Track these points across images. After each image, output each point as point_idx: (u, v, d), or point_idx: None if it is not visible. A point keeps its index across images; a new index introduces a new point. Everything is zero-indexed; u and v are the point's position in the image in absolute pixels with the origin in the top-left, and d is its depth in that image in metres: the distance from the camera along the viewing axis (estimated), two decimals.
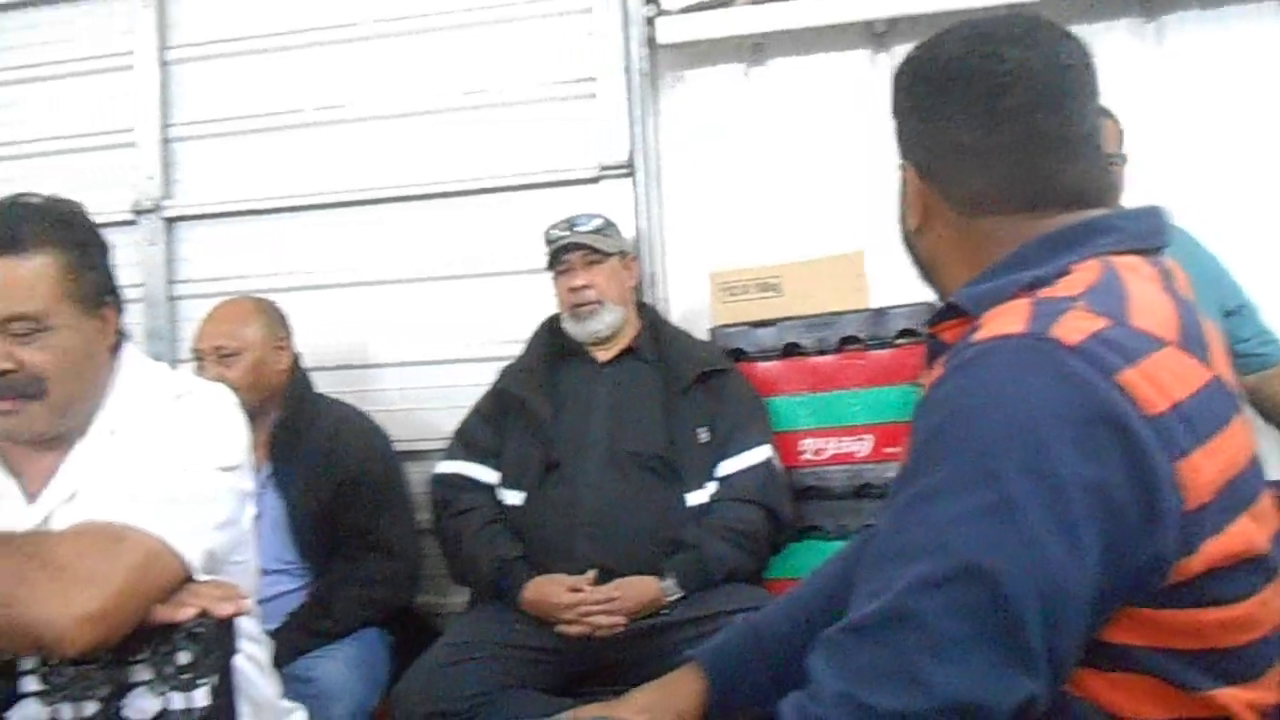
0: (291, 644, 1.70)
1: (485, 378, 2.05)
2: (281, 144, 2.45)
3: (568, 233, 1.94)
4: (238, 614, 1.08)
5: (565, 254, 1.93)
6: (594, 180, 2.25)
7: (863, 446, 1.97)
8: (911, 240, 0.95)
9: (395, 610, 1.92)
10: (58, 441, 1.16)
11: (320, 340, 2.24)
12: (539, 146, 2.32)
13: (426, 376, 2.32)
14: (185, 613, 1.05)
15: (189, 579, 1.09)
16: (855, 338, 2.01)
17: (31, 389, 1.12)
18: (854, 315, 2.02)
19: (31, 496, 1.16)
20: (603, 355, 1.96)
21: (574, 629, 1.70)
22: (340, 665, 1.70)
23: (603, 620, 1.69)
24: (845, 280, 2.07)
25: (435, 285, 2.34)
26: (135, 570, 1.02)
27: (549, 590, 1.72)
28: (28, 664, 1.05)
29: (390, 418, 2.13)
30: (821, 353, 2.03)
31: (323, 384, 2.09)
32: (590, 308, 1.92)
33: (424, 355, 2.33)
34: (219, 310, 2.00)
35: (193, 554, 1.08)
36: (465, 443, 1.94)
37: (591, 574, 1.74)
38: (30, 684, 1.06)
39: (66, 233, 1.18)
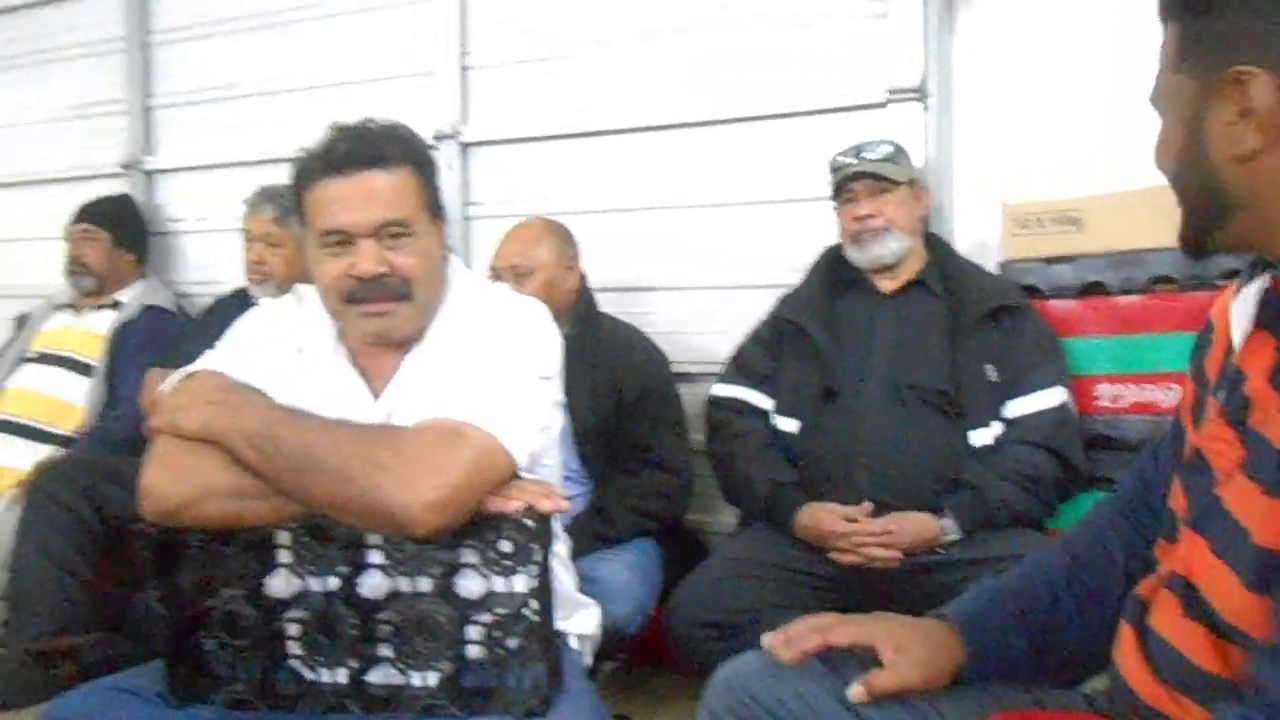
0: (574, 546, 1.82)
1: (760, 305, 2.07)
2: (568, 72, 2.55)
3: (854, 160, 1.90)
4: (557, 510, 1.17)
5: (851, 183, 1.90)
6: (881, 105, 2.18)
7: (1168, 396, 1.83)
8: (1224, 170, 0.78)
9: (668, 523, 2.01)
10: (401, 343, 1.29)
11: (603, 263, 2.33)
12: (825, 70, 2.27)
13: (702, 302, 2.37)
14: (513, 505, 1.15)
15: (515, 476, 1.19)
16: (1168, 277, 1.85)
17: (402, 290, 1.24)
18: (1168, 252, 1.85)
19: (375, 393, 1.29)
20: (886, 285, 1.92)
21: (847, 558, 1.71)
22: (620, 568, 1.80)
23: (878, 552, 1.69)
24: (1159, 215, 1.90)
25: (715, 212, 2.37)
26: (473, 464, 1.12)
27: (823, 517, 1.74)
28: (373, 540, 1.20)
29: (665, 340, 2.20)
30: (1126, 292, 1.89)
31: (606, 305, 2.19)
32: (874, 233, 1.88)
33: (701, 281, 2.37)
34: (514, 231, 2.13)
35: (520, 453, 1.18)
36: (742, 368, 1.98)
37: (867, 505, 1.73)
38: (374, 557, 1.21)
39: (419, 149, 1.30)
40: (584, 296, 2.12)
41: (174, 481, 1.15)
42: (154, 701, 1.18)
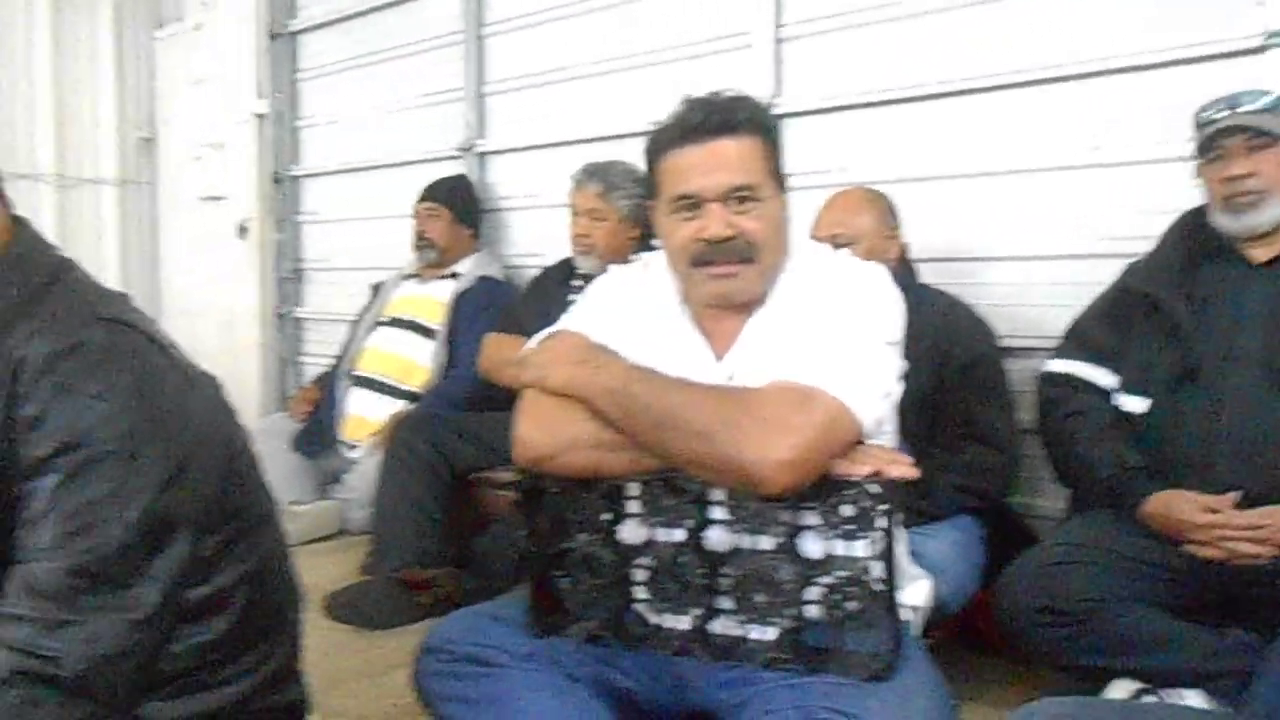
0: None
1: (1099, 275, 1.92)
2: (885, 36, 2.48)
3: (1226, 113, 1.70)
4: (905, 478, 1.16)
5: (1222, 138, 1.71)
6: (1257, 50, 1.94)
7: None
8: None
9: (991, 502, 1.93)
10: (744, 307, 1.32)
11: (925, 232, 2.26)
12: (1175, 15, 2.05)
13: (1035, 272, 2.23)
14: (861, 470, 1.15)
15: (860, 441, 1.19)
16: None
17: (747, 253, 1.28)
18: None
19: (717, 355, 1.34)
20: (1258, 254, 1.72)
21: (1207, 551, 1.56)
22: (943, 544, 1.76)
23: (1245, 548, 1.53)
24: None
25: (1050, 176, 2.22)
26: (823, 426, 1.13)
27: (1179, 505, 1.59)
28: (718, 496, 1.24)
29: (994, 312, 2.10)
30: None
31: (927, 276, 2.12)
32: (1249, 198, 1.68)
33: (1033, 250, 2.23)
34: (835, 200, 2.12)
35: (867, 418, 1.18)
36: (1081, 342, 1.85)
37: (1233, 496, 1.57)
38: (718, 513, 1.25)
39: (765, 118, 1.32)
40: (905, 267, 2.07)
41: (543, 432, 1.26)
42: (518, 629, 1.30)
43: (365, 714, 1.80)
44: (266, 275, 4.22)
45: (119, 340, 1.02)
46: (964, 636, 1.89)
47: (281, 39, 4.18)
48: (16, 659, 0.91)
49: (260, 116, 4.19)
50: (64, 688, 0.92)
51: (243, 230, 4.29)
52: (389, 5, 3.74)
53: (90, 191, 4.78)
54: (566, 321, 1.40)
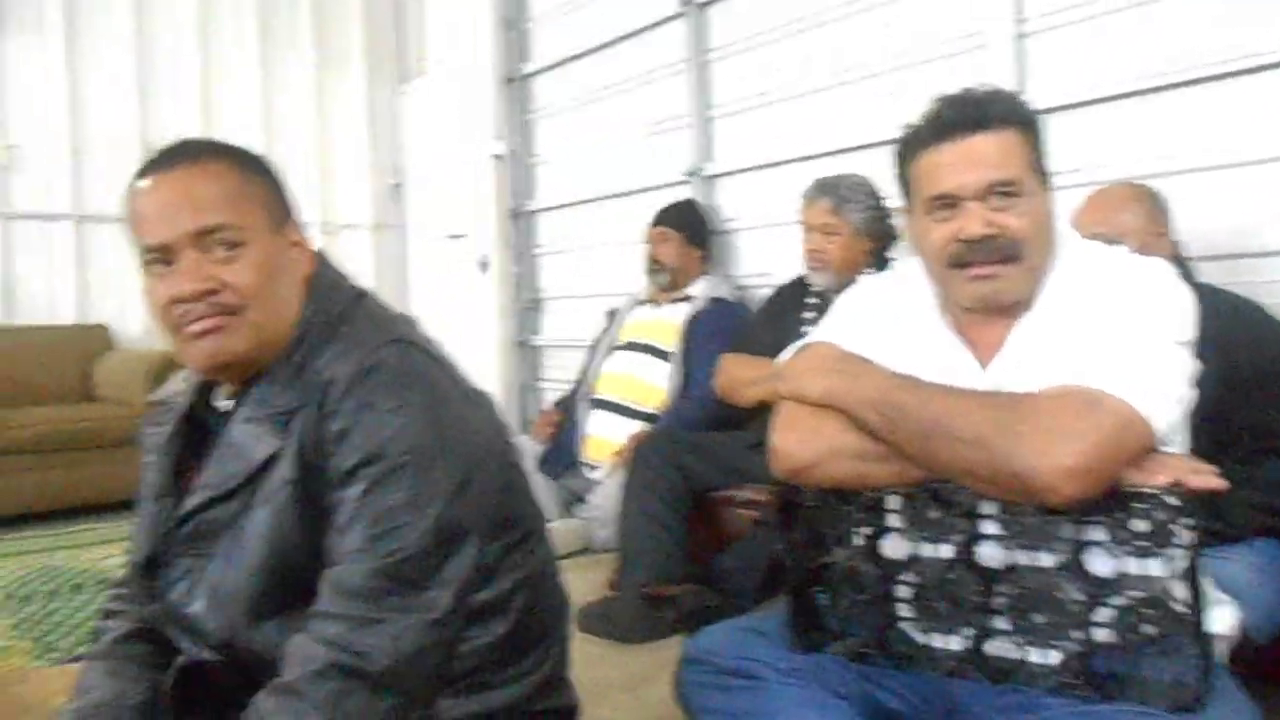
0: None
1: None
2: (1135, 21, 2.31)
3: None
4: (1209, 489, 1.06)
5: None
6: None
7: None
8: None
9: None
10: (1008, 310, 1.25)
11: (1204, 228, 2.07)
12: None
13: None
14: (1158, 479, 1.06)
15: (1153, 449, 1.10)
16: None
17: (1010, 252, 1.21)
18: None
19: (982, 363, 1.27)
20: None
21: None
22: (1242, 569, 1.59)
23: None
24: None
25: None
26: (1113, 433, 1.05)
27: None
28: (989, 510, 1.18)
29: None
30: None
31: (1209, 273, 1.94)
32: None
33: None
34: (1095, 198, 1.98)
35: (1159, 423, 1.08)
36: None
37: None
38: (989, 528, 1.19)
39: (1023, 111, 1.26)
40: (1180, 266, 1.90)
41: (801, 442, 1.24)
42: (780, 644, 1.28)
43: None
44: (506, 306, 4.45)
45: (410, 360, 1.10)
46: (1274, 672, 1.69)
47: (515, 83, 4.42)
48: (331, 653, 0.99)
49: (498, 157, 4.45)
50: (372, 681, 0.99)
51: (484, 264, 4.55)
52: (614, 41, 3.88)
53: (350, 235, 5.25)
54: (820, 333, 1.38)
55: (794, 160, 3.12)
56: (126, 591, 1.24)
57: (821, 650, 1.27)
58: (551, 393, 4.05)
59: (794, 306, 2.62)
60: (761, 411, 2.46)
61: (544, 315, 4.47)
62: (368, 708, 0.99)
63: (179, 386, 1.24)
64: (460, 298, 4.70)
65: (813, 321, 2.52)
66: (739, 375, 2.53)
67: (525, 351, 4.47)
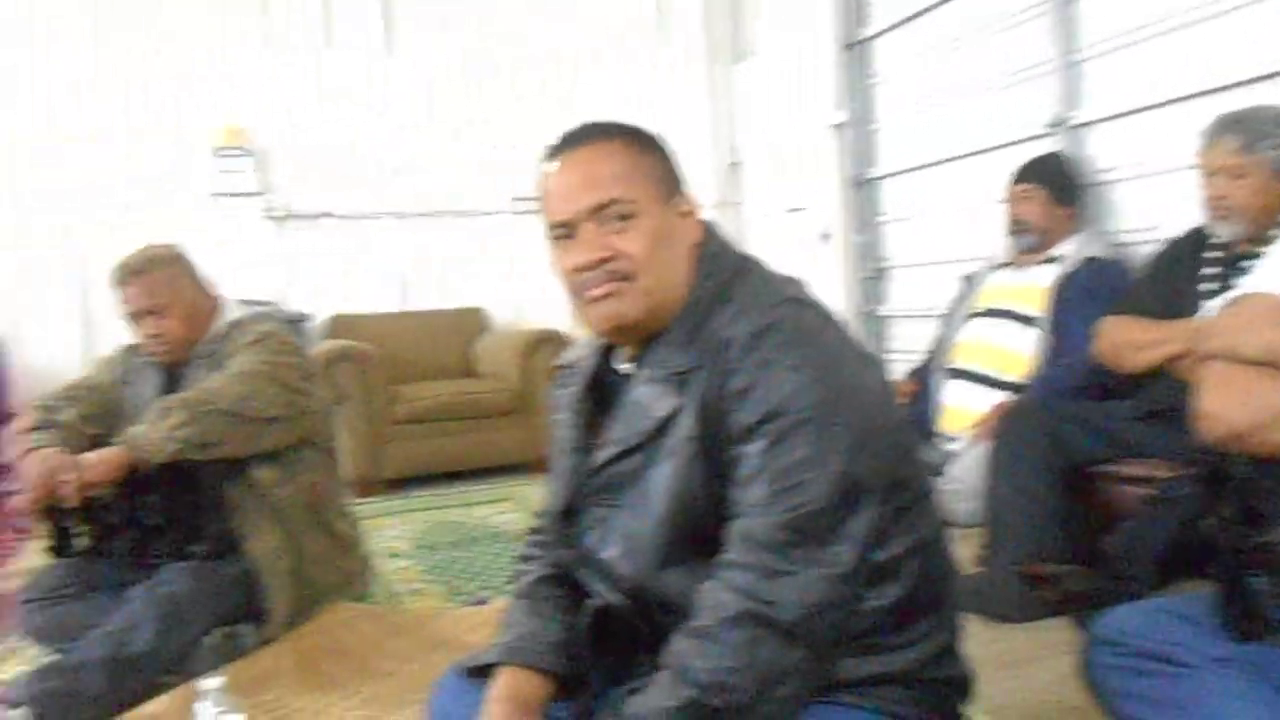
0: None
1: None
2: None
3: None
4: None
5: None
6: None
7: None
8: None
9: None
10: None
11: None
12: None
13: None
14: None
15: None
16: None
17: None
18: None
19: None
20: None
21: None
22: None
23: None
24: None
25: None
26: None
27: None
28: None
29: None
30: None
31: None
32: None
33: None
34: None
35: None
36: None
37: None
38: None
39: None
40: None
41: (1238, 405, 1.10)
42: (1208, 630, 1.15)
43: (1014, 704, 1.75)
44: (850, 277, 4.39)
45: (805, 319, 1.11)
46: None
47: (853, 49, 4.33)
48: (743, 601, 1.02)
49: (838, 126, 4.39)
50: (783, 631, 1.01)
51: (825, 236, 4.52)
52: None
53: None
54: (1255, 282, 1.21)
55: (1183, 98, 2.78)
56: (543, 538, 1.36)
57: (1260, 640, 1.12)
58: (899, 364, 3.94)
59: (1190, 262, 2.33)
60: (1152, 378, 2.23)
61: (889, 285, 4.36)
62: (779, 657, 1.01)
63: (582, 352, 1.34)
64: (801, 271, 4.68)
65: (1216, 279, 2.23)
66: (1125, 339, 2.30)
67: (871, 322, 4.38)
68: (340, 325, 4.68)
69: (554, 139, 1.23)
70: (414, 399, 4.22)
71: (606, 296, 1.14)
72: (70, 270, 4.51)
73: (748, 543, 1.04)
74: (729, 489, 1.09)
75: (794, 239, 4.81)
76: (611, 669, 1.22)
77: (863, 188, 4.36)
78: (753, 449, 1.06)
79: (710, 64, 5.49)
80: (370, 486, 4.02)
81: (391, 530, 3.41)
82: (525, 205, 5.19)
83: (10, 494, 2.72)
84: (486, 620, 2.26)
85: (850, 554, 1.04)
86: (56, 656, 2.01)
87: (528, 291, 5.17)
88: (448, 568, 2.88)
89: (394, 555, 3.06)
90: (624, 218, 1.14)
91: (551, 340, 4.45)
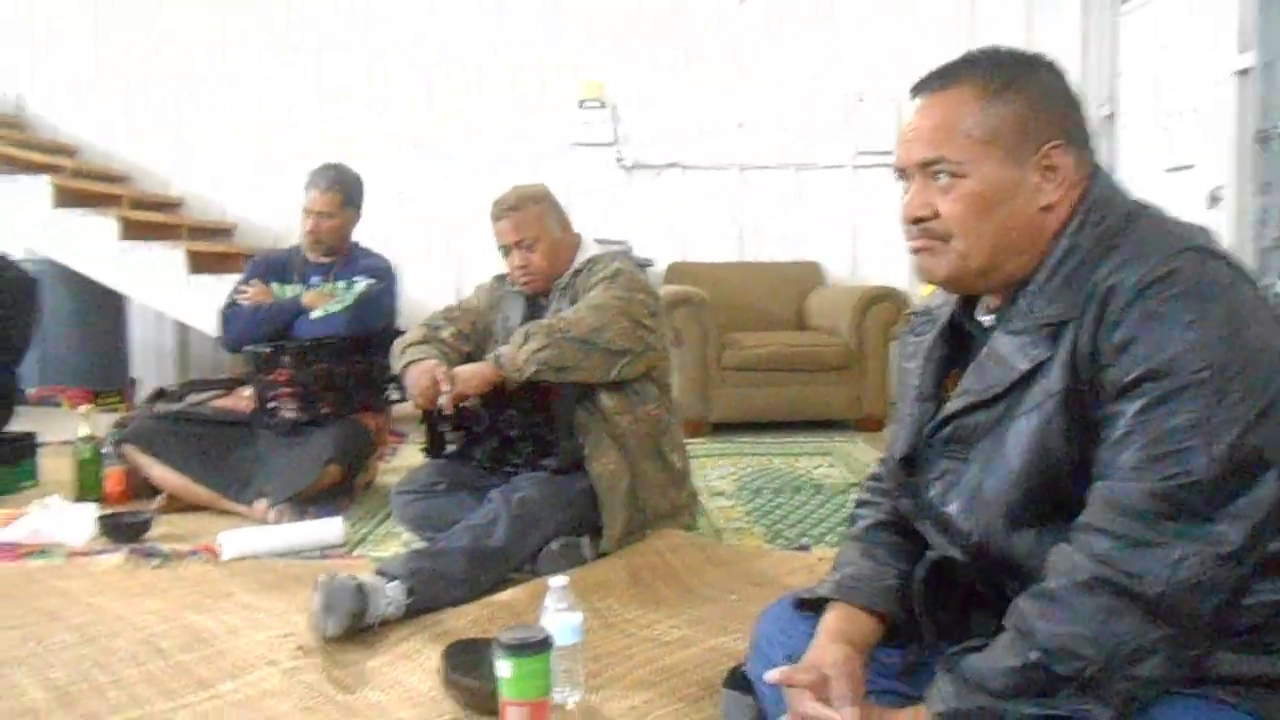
0: None
1: None
2: None
3: None
4: None
5: None
6: None
7: None
8: None
9: None
10: None
11: None
12: None
13: None
14: None
15: None
16: None
17: None
18: None
19: None
20: None
21: None
22: None
23: None
24: None
25: None
26: None
27: None
28: None
29: None
30: None
31: None
32: None
33: None
34: None
35: None
36: None
37: None
38: None
39: None
40: None
41: None
42: None
43: None
44: (1243, 244, 3.86)
45: (1209, 270, 0.98)
46: None
47: None
48: (1100, 568, 0.94)
49: (1242, 73, 3.84)
50: (1144, 605, 0.92)
51: (1214, 199, 3.99)
52: None
53: None
54: None
55: None
56: (882, 484, 1.33)
57: None
58: None
59: None
60: None
61: None
62: (1137, 632, 0.92)
63: (940, 298, 1.29)
64: None
65: None
66: None
67: (1272, 299, 3.82)
68: (678, 272, 4.85)
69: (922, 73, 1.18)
70: (745, 348, 4.29)
71: (920, 251, 1.13)
72: (448, 208, 5.04)
73: (1112, 508, 0.96)
74: (1095, 449, 1.00)
75: (1175, 201, 4.30)
76: (944, 624, 1.18)
77: (1273, 142, 3.79)
78: (1128, 408, 0.96)
79: (1088, 7, 5.00)
80: (698, 427, 4.16)
81: (716, 471, 3.51)
82: (869, 160, 5.07)
83: (395, 400, 3.11)
84: (807, 565, 2.27)
85: (1238, 534, 0.92)
86: (426, 543, 2.28)
87: (866, 247, 5.07)
88: (769, 512, 2.92)
89: (717, 494, 3.15)
90: (952, 176, 1.10)
91: (888, 297, 4.34)
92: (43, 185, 4.37)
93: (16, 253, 3.92)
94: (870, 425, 4.25)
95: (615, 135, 5.12)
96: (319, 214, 3.12)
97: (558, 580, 1.60)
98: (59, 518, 2.66)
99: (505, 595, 2.05)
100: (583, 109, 5.09)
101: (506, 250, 2.45)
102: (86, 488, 2.98)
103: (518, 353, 2.21)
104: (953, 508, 1.15)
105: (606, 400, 2.32)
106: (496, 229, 2.44)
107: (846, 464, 3.60)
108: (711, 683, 1.59)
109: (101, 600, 2.15)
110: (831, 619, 1.17)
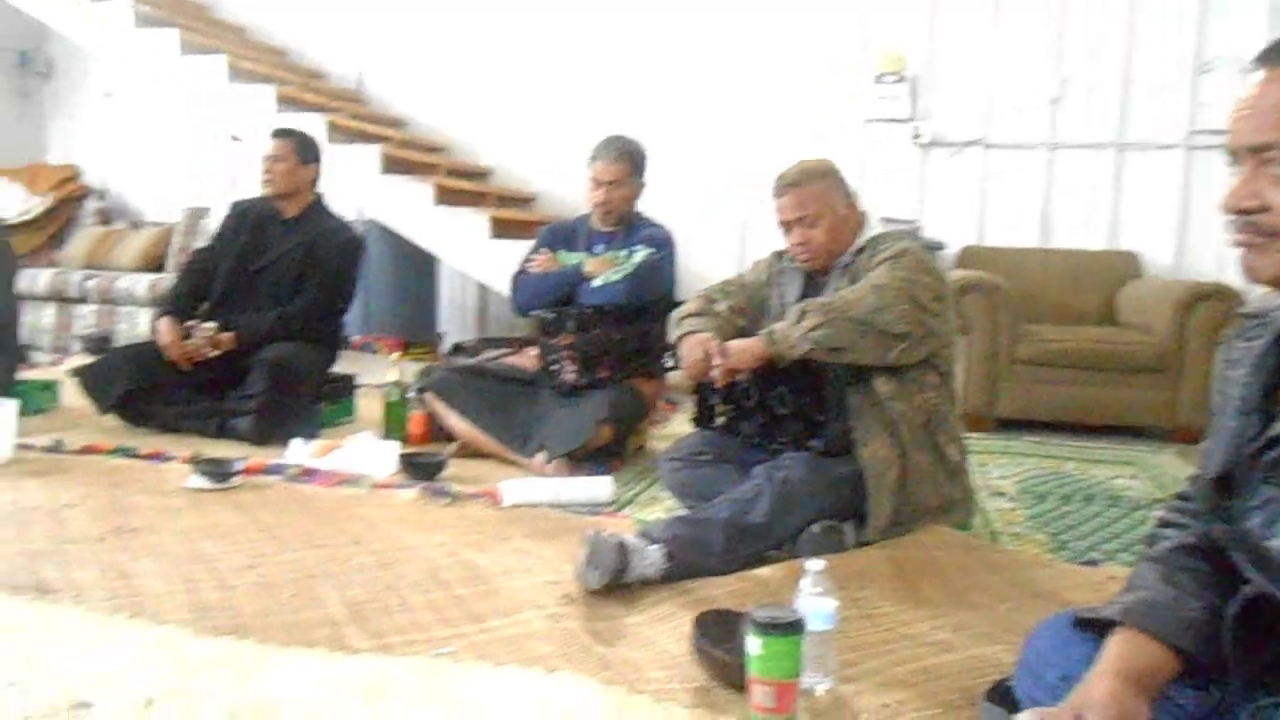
0: None
1: None
2: None
3: None
4: None
5: None
6: None
7: None
8: None
9: None
10: None
11: None
12: None
13: None
14: None
15: None
16: None
17: None
18: None
19: None
20: None
21: None
22: None
23: None
24: None
25: None
26: None
27: None
28: None
29: None
30: None
31: None
32: None
33: None
34: None
35: None
36: None
37: None
38: None
39: None
40: None
41: None
42: None
43: None
44: None
45: None
46: None
47: None
48: None
49: None
50: None
51: None
52: None
53: None
54: None
55: None
56: (1190, 505, 1.17)
57: None
58: None
59: None
60: None
61: None
62: None
63: (1277, 300, 1.11)
64: None
65: None
66: None
67: None
68: (972, 256, 4.58)
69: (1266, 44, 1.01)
70: (1043, 340, 3.98)
71: (1244, 246, 1.00)
72: (733, 181, 5.06)
73: None
74: None
75: None
76: (1257, 670, 1.02)
77: None
78: None
79: None
80: (980, 421, 3.91)
81: (997, 469, 3.29)
82: (1206, 140, 4.51)
83: (670, 368, 3.17)
84: (1094, 583, 2.07)
85: None
86: (688, 511, 2.31)
87: (1195, 238, 4.53)
88: (1055, 520, 2.69)
89: (997, 494, 2.95)
90: None
91: (1217, 295, 3.84)
92: (374, 154, 4.84)
93: (349, 213, 4.38)
94: (1184, 437, 3.80)
95: (913, 110, 4.90)
96: (608, 184, 3.23)
97: (815, 564, 1.55)
98: (368, 452, 2.96)
99: (762, 572, 2.03)
100: (879, 84, 4.91)
101: (787, 226, 2.40)
102: (392, 428, 3.29)
103: (792, 330, 2.16)
104: (1277, 543, 0.99)
105: (881, 384, 2.23)
106: (777, 204, 2.40)
107: (1151, 477, 3.25)
108: (971, 692, 1.48)
109: (397, 530, 2.36)
110: (1116, 647, 1.05)
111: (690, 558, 2.00)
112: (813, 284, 2.44)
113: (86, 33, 5.34)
